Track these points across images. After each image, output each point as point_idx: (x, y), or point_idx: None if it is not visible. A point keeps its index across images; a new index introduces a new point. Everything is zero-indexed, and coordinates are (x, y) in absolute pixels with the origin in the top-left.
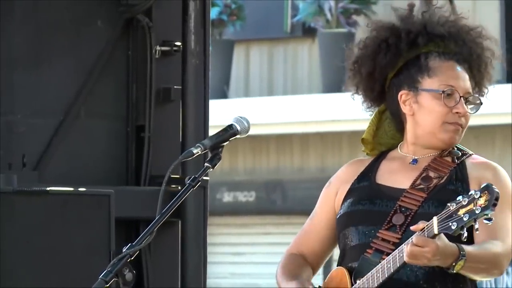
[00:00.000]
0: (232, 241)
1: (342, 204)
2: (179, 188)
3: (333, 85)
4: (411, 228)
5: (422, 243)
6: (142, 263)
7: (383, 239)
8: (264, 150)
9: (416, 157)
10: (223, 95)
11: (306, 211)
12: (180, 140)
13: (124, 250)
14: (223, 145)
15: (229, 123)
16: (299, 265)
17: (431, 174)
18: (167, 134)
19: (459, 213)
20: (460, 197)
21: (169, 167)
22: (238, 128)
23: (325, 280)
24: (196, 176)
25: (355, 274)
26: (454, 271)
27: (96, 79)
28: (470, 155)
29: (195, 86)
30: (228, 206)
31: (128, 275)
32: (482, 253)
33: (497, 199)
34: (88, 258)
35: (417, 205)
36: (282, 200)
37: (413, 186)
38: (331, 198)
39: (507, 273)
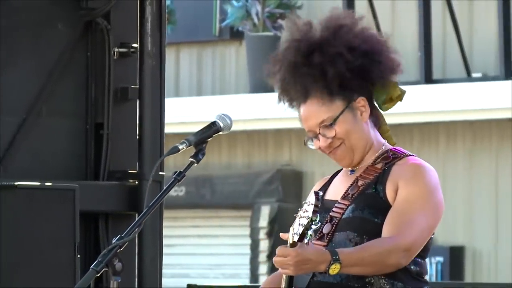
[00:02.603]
0: (164, 234)
1: None
2: (136, 183)
3: (260, 86)
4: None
5: (282, 252)
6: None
7: None
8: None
9: (354, 168)
10: None
11: (233, 205)
12: (137, 137)
13: (114, 241)
14: (207, 141)
15: (213, 120)
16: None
17: (360, 182)
18: (125, 132)
19: (301, 220)
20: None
21: (128, 162)
22: (221, 125)
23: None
24: (182, 171)
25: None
26: (331, 274)
27: (57, 79)
28: (402, 157)
29: (152, 86)
30: None
31: (118, 265)
32: (363, 255)
33: (316, 206)
34: (54, 249)
35: (341, 213)
36: (210, 195)
37: (343, 196)
38: None
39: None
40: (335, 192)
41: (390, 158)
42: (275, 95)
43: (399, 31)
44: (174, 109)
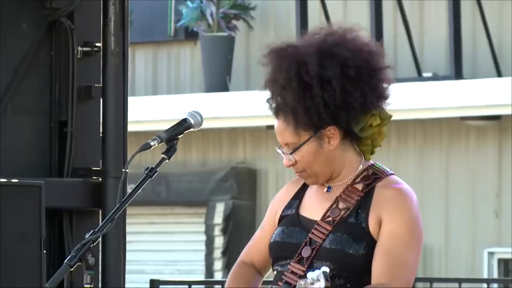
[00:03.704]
0: None
1: (276, 229)
2: (100, 179)
3: (214, 85)
4: None
5: None
6: (65, 251)
7: (292, 272)
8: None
9: (330, 184)
10: None
11: (187, 202)
12: (101, 134)
13: (86, 237)
14: (178, 138)
15: (184, 117)
16: (247, 280)
17: (340, 205)
18: (89, 129)
19: None
20: (305, 278)
21: (92, 159)
22: (192, 121)
23: None
24: (154, 167)
25: None
26: None
27: (22, 78)
28: (382, 178)
29: (115, 84)
30: None
31: (91, 260)
32: None
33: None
34: (21, 245)
35: (322, 238)
36: (166, 192)
37: (323, 218)
38: (273, 217)
39: None
40: (312, 209)
41: (371, 179)
42: (229, 95)
43: None
44: (130, 108)
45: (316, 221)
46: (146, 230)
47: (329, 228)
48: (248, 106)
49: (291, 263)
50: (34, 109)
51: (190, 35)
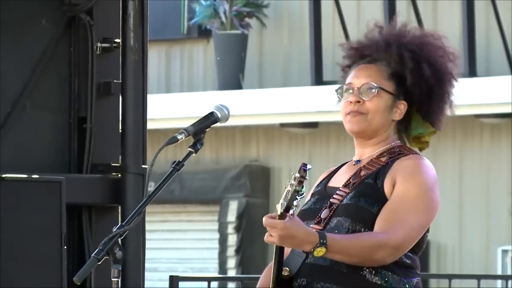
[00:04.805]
0: None
1: None
2: (119, 175)
3: (227, 83)
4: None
5: (270, 223)
6: (84, 247)
7: None
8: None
9: (360, 158)
10: None
11: (201, 200)
12: (120, 130)
13: (114, 230)
14: (205, 131)
15: (210, 111)
16: None
17: (362, 172)
18: (108, 125)
19: (287, 192)
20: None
21: (111, 155)
22: (219, 115)
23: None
24: (180, 160)
25: (284, 265)
26: (315, 256)
27: (41, 74)
28: (407, 155)
29: (134, 80)
30: None
31: (118, 253)
32: (352, 245)
33: (302, 176)
34: (41, 241)
35: (340, 199)
36: (179, 190)
37: (344, 184)
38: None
39: None
40: (338, 180)
41: (395, 154)
42: (242, 92)
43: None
44: None
45: (339, 188)
46: (160, 228)
47: (348, 190)
48: (261, 104)
49: (311, 225)
50: (53, 105)
51: (203, 33)
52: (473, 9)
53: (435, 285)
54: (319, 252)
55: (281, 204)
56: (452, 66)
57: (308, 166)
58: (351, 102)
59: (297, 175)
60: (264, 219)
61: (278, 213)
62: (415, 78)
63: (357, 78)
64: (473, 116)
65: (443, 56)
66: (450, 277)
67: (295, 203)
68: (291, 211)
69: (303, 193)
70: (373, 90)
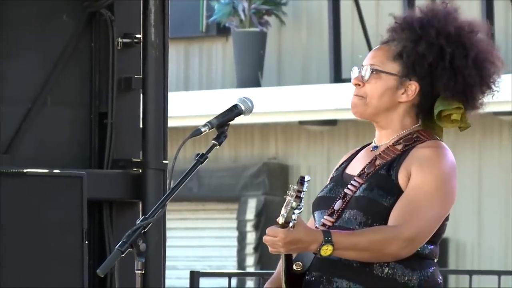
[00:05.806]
0: None
1: None
2: (140, 171)
3: (246, 81)
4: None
5: (272, 233)
6: (105, 242)
7: (323, 224)
8: (181, 141)
9: (378, 144)
10: None
11: (219, 198)
12: (141, 126)
13: (137, 223)
14: (229, 124)
15: (234, 103)
16: None
17: (377, 161)
18: (129, 121)
19: (287, 204)
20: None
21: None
22: (243, 107)
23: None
24: (204, 153)
25: (296, 257)
26: (323, 255)
27: (62, 70)
28: (424, 141)
29: (155, 76)
30: None
31: (142, 246)
32: (361, 240)
33: (299, 191)
34: (63, 235)
35: (354, 190)
36: (198, 188)
37: (359, 173)
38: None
39: None
40: (355, 166)
41: (412, 140)
42: (261, 90)
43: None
44: None
45: (354, 176)
46: (178, 226)
47: (362, 181)
48: (280, 101)
49: (324, 216)
50: (74, 100)
51: (222, 30)
52: (492, 10)
53: (454, 282)
54: (326, 250)
55: (282, 215)
56: (486, 47)
57: (307, 178)
58: (354, 85)
59: (295, 187)
60: (267, 230)
61: (280, 223)
62: (435, 54)
63: (367, 59)
64: (492, 114)
65: (481, 42)
66: (471, 273)
67: (293, 217)
68: (290, 224)
69: (301, 208)
70: (370, 73)
